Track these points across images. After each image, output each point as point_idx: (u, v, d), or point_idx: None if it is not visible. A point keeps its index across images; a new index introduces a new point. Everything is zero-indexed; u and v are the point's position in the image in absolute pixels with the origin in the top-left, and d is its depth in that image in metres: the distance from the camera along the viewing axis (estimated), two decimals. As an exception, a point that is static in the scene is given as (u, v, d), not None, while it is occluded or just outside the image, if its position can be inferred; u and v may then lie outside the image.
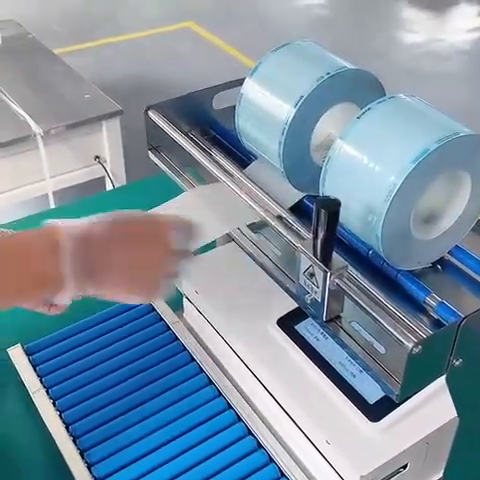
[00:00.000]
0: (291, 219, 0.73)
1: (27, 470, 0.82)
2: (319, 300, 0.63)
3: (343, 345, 0.62)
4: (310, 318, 0.83)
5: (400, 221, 0.62)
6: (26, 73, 2.02)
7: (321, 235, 0.59)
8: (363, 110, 0.65)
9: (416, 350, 0.53)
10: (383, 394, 0.74)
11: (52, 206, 1.80)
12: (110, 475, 0.77)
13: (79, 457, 0.79)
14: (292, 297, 0.70)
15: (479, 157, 0.64)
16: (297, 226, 0.71)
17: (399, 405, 0.74)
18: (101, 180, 1.96)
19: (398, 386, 0.56)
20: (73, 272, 0.55)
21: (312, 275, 0.62)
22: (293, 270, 0.69)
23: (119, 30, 3.94)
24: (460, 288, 0.68)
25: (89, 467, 0.78)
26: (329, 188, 0.67)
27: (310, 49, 0.74)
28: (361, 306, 0.58)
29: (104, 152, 1.90)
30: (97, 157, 1.89)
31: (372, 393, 0.75)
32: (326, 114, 0.71)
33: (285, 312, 0.84)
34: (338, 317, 0.64)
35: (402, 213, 0.62)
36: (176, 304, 0.98)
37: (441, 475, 0.76)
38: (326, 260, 0.61)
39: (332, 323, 0.63)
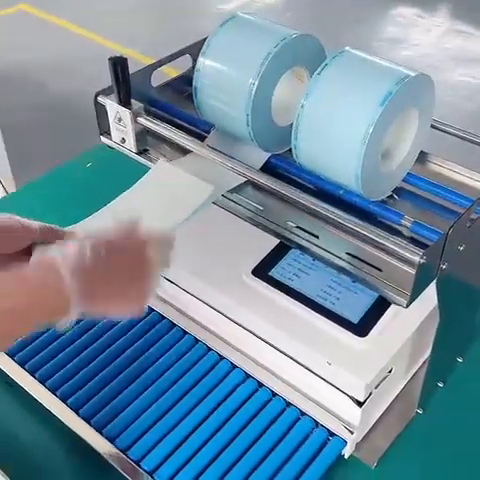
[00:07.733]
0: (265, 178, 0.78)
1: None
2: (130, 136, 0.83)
3: (350, 274, 0.70)
4: (280, 262, 0.92)
5: (372, 159, 0.72)
6: None
7: (119, 86, 0.80)
8: (321, 66, 0.73)
9: (422, 261, 0.63)
10: (363, 313, 0.86)
11: None
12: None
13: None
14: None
15: (425, 94, 0.75)
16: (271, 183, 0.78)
17: (378, 319, 0.85)
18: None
19: (406, 295, 0.67)
20: (77, 300, 0.62)
21: (120, 119, 0.81)
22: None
23: None
24: (420, 207, 0.80)
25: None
26: (303, 143, 0.74)
27: (256, 21, 0.81)
28: (360, 235, 0.68)
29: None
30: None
31: (354, 314, 0.86)
32: (282, 78, 0.78)
33: (257, 262, 0.92)
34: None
35: (374, 152, 0.71)
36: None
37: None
38: (127, 104, 0.81)
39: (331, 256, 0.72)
